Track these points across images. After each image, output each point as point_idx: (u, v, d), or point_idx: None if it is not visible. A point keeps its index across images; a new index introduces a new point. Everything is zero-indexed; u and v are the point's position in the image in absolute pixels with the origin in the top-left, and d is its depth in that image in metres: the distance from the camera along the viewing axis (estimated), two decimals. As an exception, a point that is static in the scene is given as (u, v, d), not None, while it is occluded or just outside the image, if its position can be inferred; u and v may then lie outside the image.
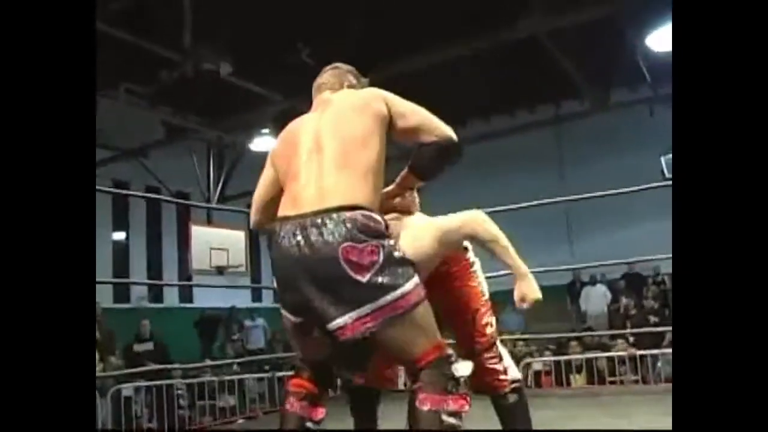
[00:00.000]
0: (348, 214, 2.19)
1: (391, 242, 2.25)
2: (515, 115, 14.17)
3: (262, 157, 11.11)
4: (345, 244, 2.14)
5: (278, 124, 11.30)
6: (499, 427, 2.89)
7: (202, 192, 12.92)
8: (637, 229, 12.22)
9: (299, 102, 10.61)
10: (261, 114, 11.00)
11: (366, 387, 2.83)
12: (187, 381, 7.98)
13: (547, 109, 13.97)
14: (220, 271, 8.44)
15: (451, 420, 2.17)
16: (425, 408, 2.17)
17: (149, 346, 8.75)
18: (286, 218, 2.28)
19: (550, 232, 13.50)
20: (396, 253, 2.23)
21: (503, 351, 2.94)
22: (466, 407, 2.22)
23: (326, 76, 2.74)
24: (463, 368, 2.25)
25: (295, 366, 2.57)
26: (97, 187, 7.36)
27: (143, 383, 7.51)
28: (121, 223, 13.78)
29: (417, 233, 2.49)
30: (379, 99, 2.45)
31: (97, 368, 7.43)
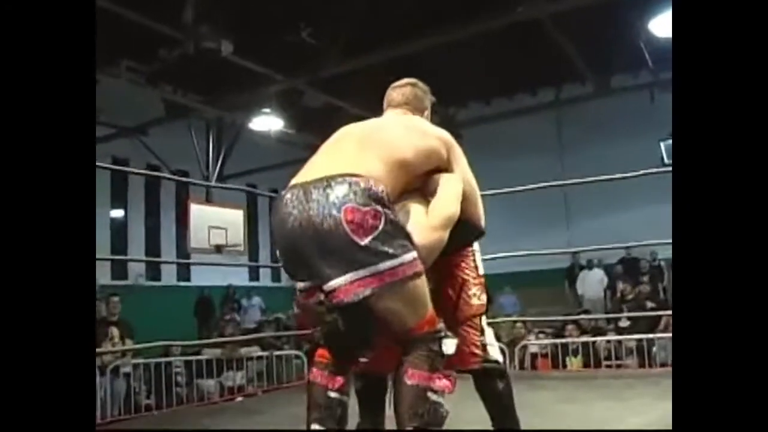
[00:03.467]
0: (353, 178, 2.22)
1: (395, 213, 2.28)
2: (515, 98, 14.13)
3: (261, 136, 11.15)
4: (347, 205, 2.17)
5: (278, 104, 11.35)
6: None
7: (201, 170, 12.92)
8: (635, 214, 12.24)
9: (300, 82, 10.69)
10: (261, 93, 10.98)
11: (374, 375, 2.77)
12: (185, 358, 8.01)
13: (547, 92, 13.94)
14: (218, 249, 8.45)
15: (436, 398, 2.23)
16: (412, 382, 2.23)
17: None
18: (293, 186, 2.33)
19: (548, 215, 13.56)
20: (397, 223, 2.26)
21: (489, 331, 2.91)
22: (451, 387, 2.28)
23: (407, 91, 2.81)
24: (450, 345, 2.30)
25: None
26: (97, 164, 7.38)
27: (141, 360, 7.55)
28: (119, 200, 13.80)
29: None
30: (445, 145, 2.57)
31: (108, 345, 7.48)
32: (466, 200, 2.56)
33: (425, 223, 2.42)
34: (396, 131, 2.49)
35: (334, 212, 2.17)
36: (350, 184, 2.20)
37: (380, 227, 2.18)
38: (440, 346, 2.28)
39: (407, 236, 2.28)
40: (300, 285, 2.35)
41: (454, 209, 2.48)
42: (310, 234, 2.21)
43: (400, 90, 2.80)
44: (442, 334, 2.31)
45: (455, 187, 2.53)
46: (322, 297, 2.26)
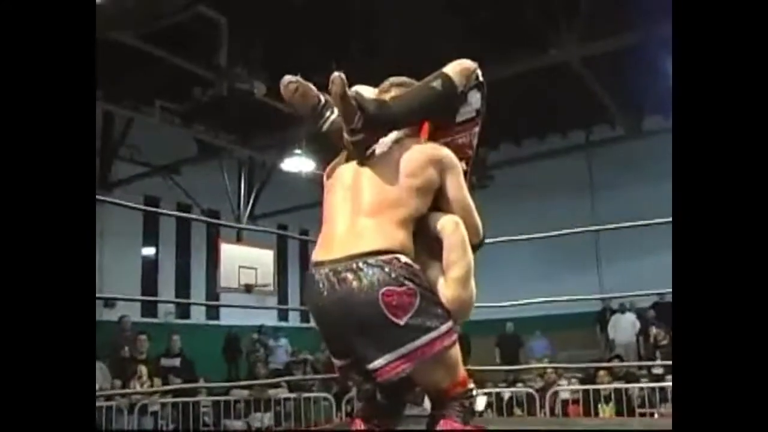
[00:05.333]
0: (384, 257, 2.20)
1: (426, 284, 2.26)
2: (546, 139, 14.12)
3: (292, 177, 11.27)
4: (385, 288, 2.15)
5: (310, 144, 11.45)
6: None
7: (232, 210, 13.01)
8: (668, 257, 12.05)
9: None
10: (293, 134, 11.08)
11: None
12: (213, 398, 7.99)
13: (578, 134, 13.91)
14: (248, 289, 8.48)
15: None
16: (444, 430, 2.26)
17: (176, 361, 8.74)
18: (320, 263, 2.30)
19: (579, 258, 13.41)
20: (430, 294, 2.25)
21: None
22: None
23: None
24: (480, 403, 2.34)
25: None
26: (127, 204, 7.46)
27: (170, 399, 7.53)
28: (151, 238, 13.90)
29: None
30: (435, 165, 2.41)
31: (136, 384, 7.49)
32: (464, 220, 2.45)
33: (448, 294, 2.32)
34: (397, 181, 2.36)
35: (371, 296, 2.15)
36: (382, 266, 2.18)
37: (416, 304, 2.18)
38: (471, 404, 2.31)
39: (440, 304, 2.28)
40: (340, 362, 2.38)
41: (466, 262, 2.37)
42: (346, 317, 2.21)
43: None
44: (474, 393, 2.33)
45: (458, 233, 2.39)
46: (361, 371, 2.28)
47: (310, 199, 12.86)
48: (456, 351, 2.30)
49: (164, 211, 11.04)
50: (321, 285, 2.25)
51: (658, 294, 10.91)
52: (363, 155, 2.45)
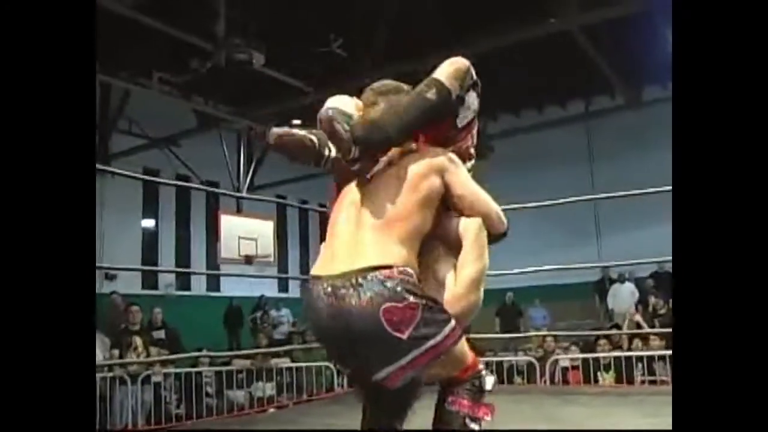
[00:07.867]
0: (384, 272, 2.17)
1: (427, 295, 2.23)
2: (545, 110, 14.07)
3: (292, 148, 10.77)
4: (386, 305, 2.12)
5: (309, 115, 11.43)
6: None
7: (231, 181, 13.01)
8: (667, 227, 12.06)
9: (330, 93, 10.73)
10: (292, 104, 11.04)
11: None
12: (215, 368, 8.04)
13: (577, 104, 13.86)
14: (248, 260, 8.48)
15: (473, 425, 2.27)
16: (453, 408, 2.28)
17: (161, 334, 8.75)
18: (319, 278, 2.27)
19: (578, 228, 13.45)
20: (432, 304, 2.22)
21: None
22: (489, 417, 2.31)
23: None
24: (489, 382, 2.35)
25: None
26: (127, 174, 7.46)
27: (172, 370, 7.58)
28: (150, 210, 13.92)
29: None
30: (436, 172, 2.40)
31: (131, 355, 7.52)
32: (479, 213, 2.45)
33: (457, 292, 2.35)
34: (401, 195, 2.33)
35: (371, 313, 2.12)
36: (382, 282, 2.14)
37: (418, 317, 2.15)
38: (481, 383, 2.32)
39: (443, 310, 2.25)
40: (345, 371, 2.43)
41: (481, 265, 2.39)
42: (347, 332, 2.18)
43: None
44: (483, 373, 2.34)
45: (481, 238, 2.41)
46: (366, 380, 2.28)
47: (309, 169, 12.84)
48: (461, 344, 2.29)
49: (164, 180, 11.02)
50: (319, 301, 2.23)
51: (657, 263, 10.96)
52: (367, 178, 2.43)
